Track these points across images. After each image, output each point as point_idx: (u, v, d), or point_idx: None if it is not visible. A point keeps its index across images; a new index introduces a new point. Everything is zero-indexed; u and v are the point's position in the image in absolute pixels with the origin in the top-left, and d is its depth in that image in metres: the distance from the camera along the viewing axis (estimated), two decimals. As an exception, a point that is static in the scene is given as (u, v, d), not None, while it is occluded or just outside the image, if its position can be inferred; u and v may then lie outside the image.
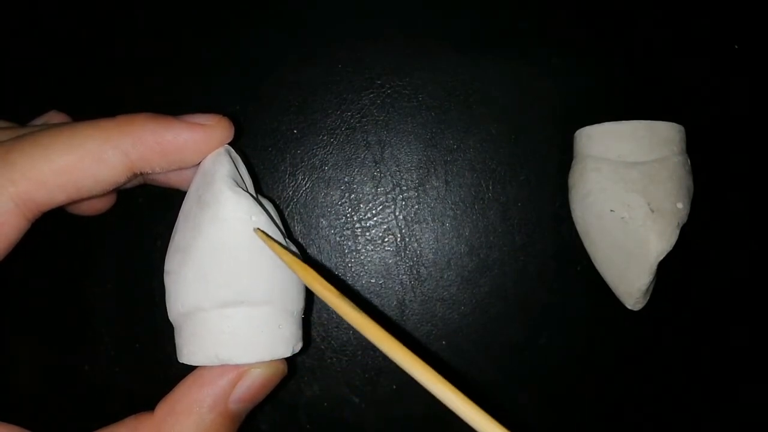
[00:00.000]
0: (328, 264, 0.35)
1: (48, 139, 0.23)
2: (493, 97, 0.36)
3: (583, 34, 0.36)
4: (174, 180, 0.28)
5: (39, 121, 0.29)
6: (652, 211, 0.31)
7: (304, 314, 0.26)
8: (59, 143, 0.22)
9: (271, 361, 0.24)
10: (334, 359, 0.35)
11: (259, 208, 0.24)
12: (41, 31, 0.35)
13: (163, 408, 0.23)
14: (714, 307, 0.36)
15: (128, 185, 0.27)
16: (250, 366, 0.24)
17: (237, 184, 0.24)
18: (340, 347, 0.35)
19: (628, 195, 0.31)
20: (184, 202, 0.25)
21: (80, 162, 0.22)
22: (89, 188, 0.23)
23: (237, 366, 0.24)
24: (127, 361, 0.34)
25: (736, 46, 0.36)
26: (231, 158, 0.25)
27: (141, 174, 0.24)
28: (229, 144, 0.26)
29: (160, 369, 0.34)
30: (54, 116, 0.29)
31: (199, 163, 0.26)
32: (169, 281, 0.25)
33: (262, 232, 0.23)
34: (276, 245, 0.23)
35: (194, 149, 0.25)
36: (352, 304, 0.21)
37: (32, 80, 0.35)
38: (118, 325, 0.34)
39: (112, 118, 0.24)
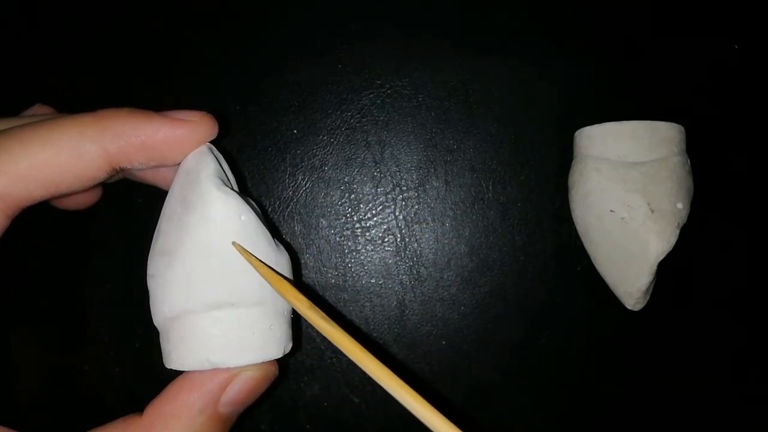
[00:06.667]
0: (328, 264, 0.35)
1: (26, 134, 0.22)
2: (493, 97, 0.36)
3: (583, 34, 0.36)
4: (151, 177, 0.27)
5: (25, 114, 0.28)
6: (652, 212, 0.31)
7: (293, 314, 0.26)
8: (37, 138, 0.22)
9: (262, 363, 0.24)
10: (334, 359, 0.35)
11: (248, 207, 0.23)
12: (40, 30, 0.35)
13: (152, 411, 0.23)
14: (714, 307, 0.36)
15: (110, 180, 0.26)
16: (241, 368, 0.23)
17: (223, 183, 0.24)
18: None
19: (628, 195, 0.31)
20: (165, 202, 0.25)
21: (57, 157, 0.22)
22: (68, 183, 0.23)
23: (228, 368, 0.23)
24: (127, 361, 0.34)
25: (736, 46, 0.36)
26: (214, 156, 0.25)
27: (121, 169, 0.24)
28: (212, 142, 0.25)
29: (160, 369, 0.34)
30: (39, 110, 0.29)
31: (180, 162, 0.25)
32: (153, 285, 0.24)
33: (239, 245, 0.23)
34: (253, 258, 0.23)
35: (175, 145, 0.24)
36: (323, 314, 0.22)
37: (30, 79, 0.35)
38: (118, 325, 0.34)
39: (92, 112, 0.23)
